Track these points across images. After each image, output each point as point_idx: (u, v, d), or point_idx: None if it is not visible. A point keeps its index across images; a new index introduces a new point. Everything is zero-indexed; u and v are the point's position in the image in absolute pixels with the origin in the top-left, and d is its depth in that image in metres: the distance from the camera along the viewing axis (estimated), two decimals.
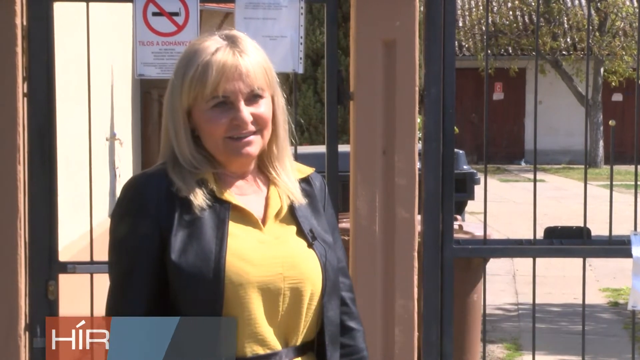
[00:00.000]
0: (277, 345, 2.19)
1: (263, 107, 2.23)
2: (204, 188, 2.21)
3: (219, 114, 2.20)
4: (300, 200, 2.30)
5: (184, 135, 2.23)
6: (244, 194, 2.27)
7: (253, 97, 2.22)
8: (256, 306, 2.17)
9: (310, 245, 2.26)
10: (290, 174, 2.32)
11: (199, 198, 2.19)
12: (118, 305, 2.21)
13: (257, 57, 2.23)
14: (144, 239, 2.18)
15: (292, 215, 2.29)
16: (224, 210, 2.21)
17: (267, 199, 2.29)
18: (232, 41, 2.23)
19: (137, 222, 2.19)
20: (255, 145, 2.23)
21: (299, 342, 2.23)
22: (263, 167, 2.32)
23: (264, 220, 2.26)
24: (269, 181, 2.31)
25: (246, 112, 2.21)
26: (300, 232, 2.27)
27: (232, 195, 2.24)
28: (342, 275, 2.35)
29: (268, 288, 2.18)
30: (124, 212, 2.22)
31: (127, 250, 2.21)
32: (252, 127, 2.22)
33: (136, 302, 2.19)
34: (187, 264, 2.15)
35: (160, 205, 2.19)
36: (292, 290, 2.20)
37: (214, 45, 2.22)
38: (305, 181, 2.36)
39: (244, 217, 2.23)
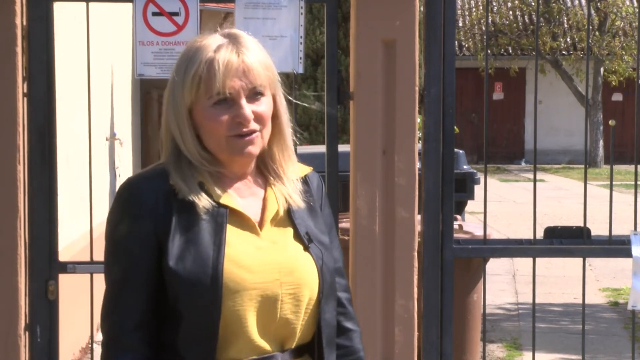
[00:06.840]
0: (272, 350, 2.18)
1: (264, 106, 2.21)
2: (203, 191, 2.19)
3: (221, 111, 2.18)
4: (298, 204, 2.28)
5: (188, 132, 2.20)
6: (241, 196, 2.24)
7: (254, 95, 2.20)
8: (253, 312, 2.16)
9: (306, 249, 2.24)
10: (292, 175, 2.30)
11: (202, 201, 2.17)
12: (113, 312, 2.19)
13: (259, 55, 2.22)
14: (141, 244, 2.16)
15: (289, 217, 2.27)
16: (221, 215, 2.19)
17: (264, 201, 2.26)
18: (233, 39, 2.21)
19: (134, 226, 2.17)
20: (256, 144, 2.21)
21: (294, 345, 2.22)
22: (263, 168, 2.29)
23: (260, 224, 2.24)
24: (267, 182, 2.29)
25: (248, 109, 2.18)
26: (297, 235, 2.26)
27: (230, 198, 2.22)
28: (338, 275, 2.34)
29: (266, 294, 2.17)
30: (120, 215, 2.20)
31: (123, 255, 2.18)
32: (253, 125, 2.19)
33: (132, 308, 2.17)
34: (185, 271, 2.13)
35: (157, 208, 2.16)
36: (289, 296, 2.19)
37: (215, 43, 2.19)
38: (303, 180, 2.34)
39: (242, 221, 2.22)
